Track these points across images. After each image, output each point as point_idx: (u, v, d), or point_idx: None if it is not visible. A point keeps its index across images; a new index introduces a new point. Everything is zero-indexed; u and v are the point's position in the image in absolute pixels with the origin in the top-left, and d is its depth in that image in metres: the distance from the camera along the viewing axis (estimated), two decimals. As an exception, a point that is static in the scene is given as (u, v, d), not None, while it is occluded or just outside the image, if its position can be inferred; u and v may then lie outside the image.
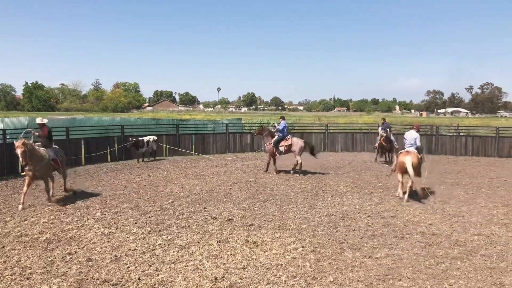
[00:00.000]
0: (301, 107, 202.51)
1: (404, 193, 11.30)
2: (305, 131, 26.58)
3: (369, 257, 7.01)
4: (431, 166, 17.89)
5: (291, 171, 15.65)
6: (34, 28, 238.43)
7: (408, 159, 11.08)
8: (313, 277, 6.13)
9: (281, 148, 15.48)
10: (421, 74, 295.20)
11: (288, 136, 15.80)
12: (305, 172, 15.82)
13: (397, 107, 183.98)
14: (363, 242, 7.81)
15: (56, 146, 11.87)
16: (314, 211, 10.03)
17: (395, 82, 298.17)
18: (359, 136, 25.09)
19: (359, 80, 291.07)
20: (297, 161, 15.46)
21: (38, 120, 11.47)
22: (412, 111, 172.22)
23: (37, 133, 11.32)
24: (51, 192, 10.78)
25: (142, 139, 18.41)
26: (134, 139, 18.20)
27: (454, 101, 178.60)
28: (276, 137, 15.66)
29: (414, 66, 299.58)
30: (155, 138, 19.19)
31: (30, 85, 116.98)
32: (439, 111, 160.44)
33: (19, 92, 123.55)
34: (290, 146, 15.45)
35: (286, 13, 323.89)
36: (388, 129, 18.87)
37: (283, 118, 16.39)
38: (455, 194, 12.19)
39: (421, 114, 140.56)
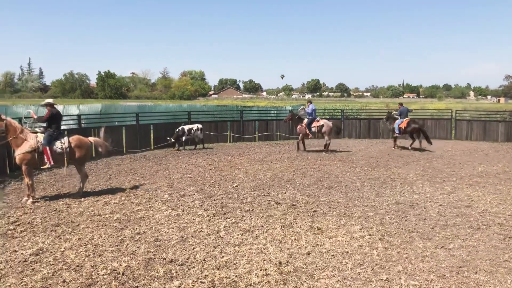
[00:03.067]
0: (368, 94, 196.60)
1: None
2: (372, 117, 25.73)
3: (441, 247, 6.62)
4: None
5: (324, 152, 17.30)
6: (107, 21, 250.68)
7: None
8: (381, 265, 5.89)
9: (313, 129, 17.10)
10: (499, 57, 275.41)
11: (318, 118, 17.52)
12: (371, 160, 15.48)
13: (472, 93, 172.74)
14: (434, 232, 7.40)
15: (63, 135, 9.67)
16: (382, 199, 9.67)
17: (470, 66, 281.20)
18: (430, 122, 23.79)
19: (430, 65, 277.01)
20: (326, 141, 17.36)
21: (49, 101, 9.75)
22: (489, 97, 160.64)
23: (35, 116, 9.73)
24: (30, 191, 9.11)
25: (182, 128, 18.33)
26: (173, 139, 18.07)
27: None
28: (307, 119, 17.26)
29: (491, 50, 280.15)
30: (200, 126, 18.86)
31: (103, 74, 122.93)
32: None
33: (93, 81, 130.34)
34: (321, 126, 17.01)
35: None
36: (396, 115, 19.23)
37: (310, 102, 18.17)
38: (539, 185, 11.24)
39: (499, 101, 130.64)
